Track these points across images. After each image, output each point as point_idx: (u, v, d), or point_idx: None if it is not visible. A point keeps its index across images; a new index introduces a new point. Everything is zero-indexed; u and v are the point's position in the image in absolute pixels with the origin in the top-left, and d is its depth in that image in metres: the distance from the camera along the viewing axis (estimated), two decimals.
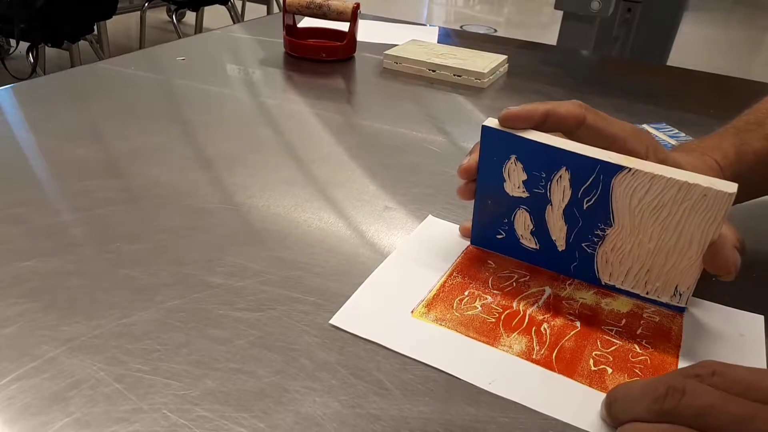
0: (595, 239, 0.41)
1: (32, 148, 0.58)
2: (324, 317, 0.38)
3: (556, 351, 0.37)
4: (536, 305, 0.41)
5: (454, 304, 0.40)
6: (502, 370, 0.35)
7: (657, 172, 0.36)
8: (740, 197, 0.47)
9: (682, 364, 0.37)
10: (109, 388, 0.32)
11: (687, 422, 0.28)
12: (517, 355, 0.37)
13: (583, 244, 0.41)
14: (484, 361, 0.36)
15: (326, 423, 0.31)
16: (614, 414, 0.31)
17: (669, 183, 0.36)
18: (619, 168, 0.37)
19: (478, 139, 0.42)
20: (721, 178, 0.40)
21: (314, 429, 0.31)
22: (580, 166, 0.38)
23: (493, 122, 0.41)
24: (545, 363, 0.36)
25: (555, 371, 0.36)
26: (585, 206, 0.40)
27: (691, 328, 0.40)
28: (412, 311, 0.39)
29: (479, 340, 0.37)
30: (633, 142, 0.41)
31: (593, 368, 0.36)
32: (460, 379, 0.35)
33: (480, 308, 0.40)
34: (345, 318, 0.38)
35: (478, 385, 0.34)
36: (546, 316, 0.40)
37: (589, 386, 0.35)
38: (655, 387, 0.30)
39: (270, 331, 0.37)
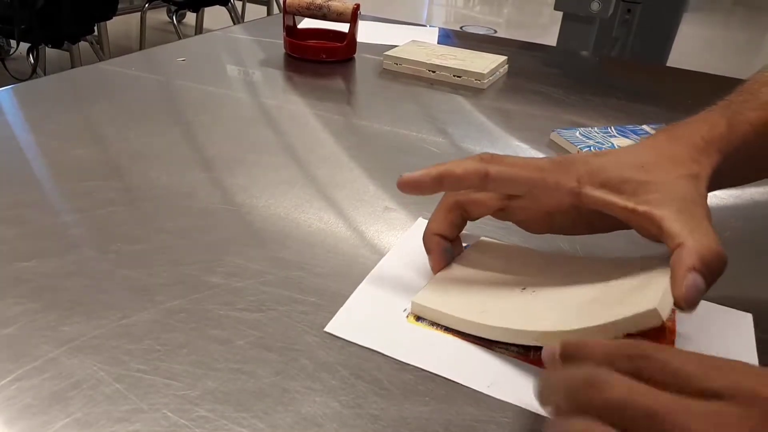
0: None
1: (33, 149, 0.58)
2: (324, 317, 0.38)
3: None
4: None
5: None
6: (500, 373, 0.35)
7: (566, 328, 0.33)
8: (737, 179, 0.43)
9: None
10: (109, 388, 0.32)
11: (598, 415, 0.26)
12: (515, 357, 0.37)
13: None
14: (481, 363, 0.36)
15: (326, 423, 0.31)
16: (540, 400, 0.30)
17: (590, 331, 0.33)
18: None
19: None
20: (697, 162, 0.37)
21: (314, 429, 0.31)
22: None
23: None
24: (542, 363, 0.36)
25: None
26: None
27: (684, 326, 0.40)
28: (407, 316, 0.39)
29: (475, 343, 0.37)
30: (556, 175, 0.38)
31: None
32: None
33: None
34: (339, 325, 0.38)
35: (476, 389, 0.34)
36: None
37: None
38: (572, 377, 0.28)
39: (270, 331, 0.37)
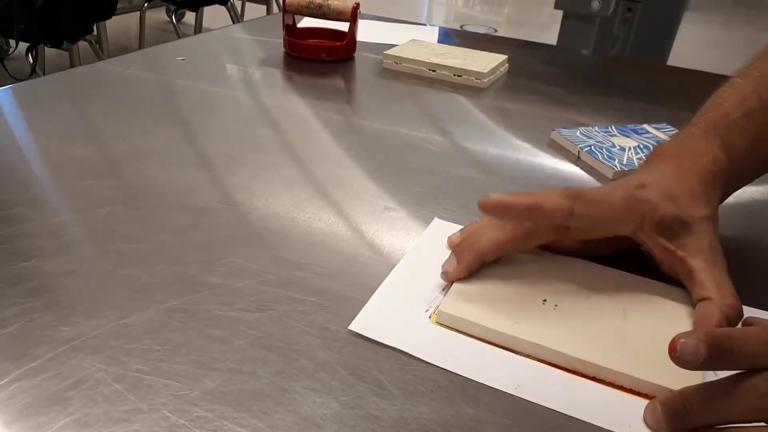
0: None
1: (32, 149, 0.58)
2: (324, 317, 0.38)
3: None
4: None
5: None
6: (526, 376, 0.35)
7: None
8: (734, 189, 0.46)
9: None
10: (108, 388, 0.32)
11: None
12: (538, 361, 0.36)
13: None
14: (507, 366, 0.36)
15: (326, 423, 0.31)
16: (691, 420, 0.31)
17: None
18: None
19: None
20: (710, 200, 0.40)
21: (314, 429, 0.31)
22: None
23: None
24: (566, 369, 0.36)
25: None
26: None
27: None
28: (430, 316, 0.39)
29: (499, 346, 0.37)
30: (623, 220, 0.40)
31: None
32: (486, 385, 0.34)
33: None
34: (364, 324, 0.38)
35: (504, 390, 0.34)
36: None
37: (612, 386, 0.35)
38: (754, 385, 0.29)
39: (270, 331, 0.37)
